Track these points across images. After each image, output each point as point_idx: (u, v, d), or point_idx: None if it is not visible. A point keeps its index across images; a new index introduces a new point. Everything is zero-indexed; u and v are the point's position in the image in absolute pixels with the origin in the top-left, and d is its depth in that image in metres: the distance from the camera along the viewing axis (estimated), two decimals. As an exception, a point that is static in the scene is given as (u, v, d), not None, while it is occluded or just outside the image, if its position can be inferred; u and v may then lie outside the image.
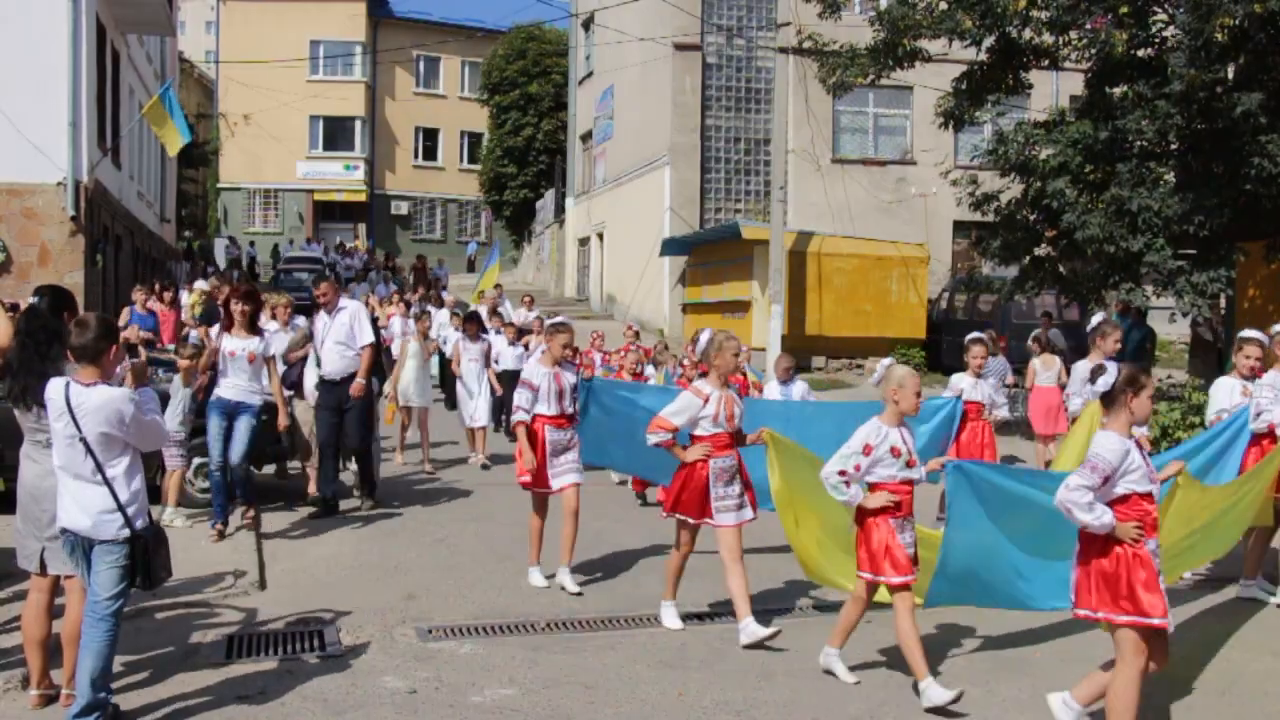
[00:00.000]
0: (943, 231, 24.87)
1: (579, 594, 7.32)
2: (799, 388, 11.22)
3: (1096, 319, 8.72)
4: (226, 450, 8.55)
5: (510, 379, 14.35)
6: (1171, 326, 15.48)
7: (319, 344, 9.66)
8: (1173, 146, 13.23)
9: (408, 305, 19.19)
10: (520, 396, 7.47)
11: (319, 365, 9.84)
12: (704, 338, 6.82)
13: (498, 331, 14.74)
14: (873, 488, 5.65)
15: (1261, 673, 6.17)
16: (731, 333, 6.77)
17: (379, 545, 8.65)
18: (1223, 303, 13.80)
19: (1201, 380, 13.33)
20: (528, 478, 7.42)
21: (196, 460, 9.52)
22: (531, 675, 5.78)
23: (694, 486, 6.49)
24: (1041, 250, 14.82)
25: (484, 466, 12.41)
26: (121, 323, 13.43)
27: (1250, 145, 12.12)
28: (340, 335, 9.47)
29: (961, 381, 9.90)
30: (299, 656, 5.96)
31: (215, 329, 8.94)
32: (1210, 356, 14.36)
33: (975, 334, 10.57)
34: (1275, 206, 12.52)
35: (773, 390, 11.23)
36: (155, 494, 9.07)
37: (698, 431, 6.50)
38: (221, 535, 8.49)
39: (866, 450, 5.60)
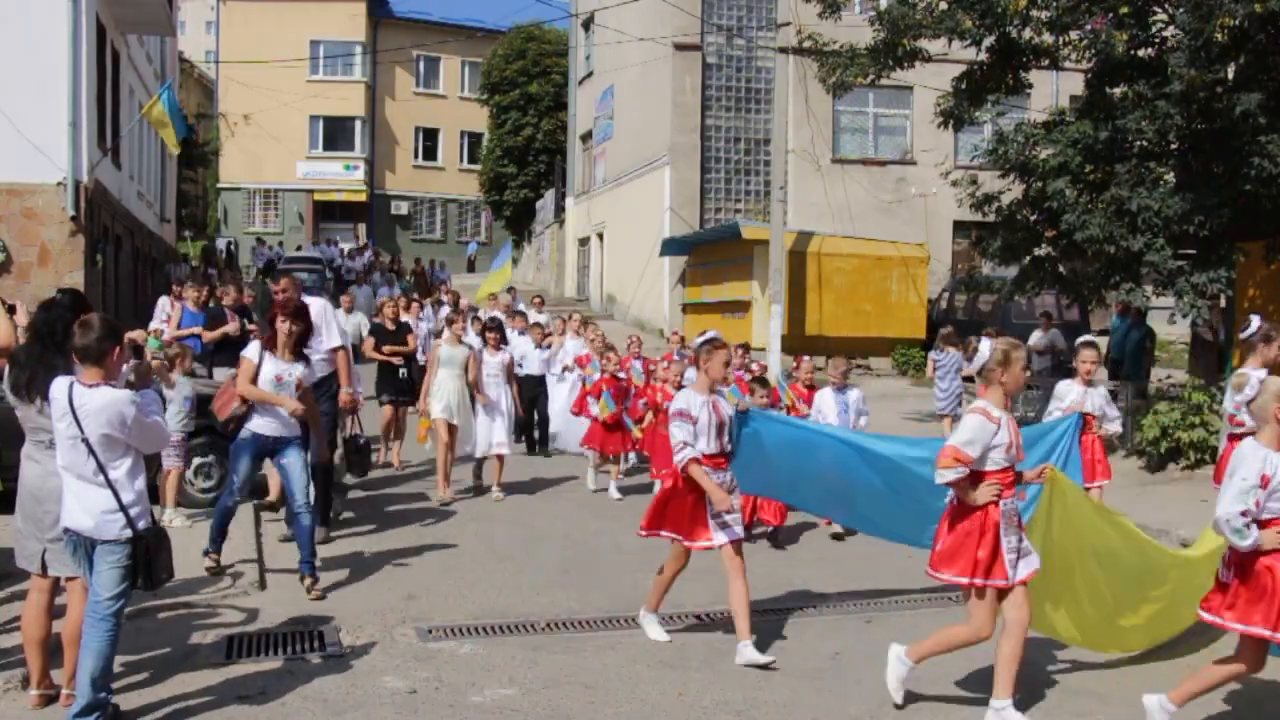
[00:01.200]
0: (943, 231, 24.88)
1: (771, 666, 6.10)
2: (854, 395, 9.91)
3: (1255, 323, 7.76)
4: (240, 487, 7.52)
5: (534, 384, 13.40)
6: (1171, 326, 15.45)
7: None
8: (1173, 146, 13.22)
9: (420, 307, 18.14)
10: (681, 431, 6.22)
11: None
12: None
13: (521, 332, 13.93)
14: (1264, 524, 4.84)
15: (1261, 673, 6.15)
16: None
17: (379, 545, 8.66)
18: (1223, 303, 13.79)
19: (1201, 380, 13.33)
20: (721, 537, 6.22)
21: (196, 460, 9.53)
22: (531, 675, 5.78)
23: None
24: (1041, 250, 14.80)
25: (499, 499, 10.76)
26: (174, 320, 12.87)
27: (1250, 145, 12.11)
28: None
29: (1071, 391, 8.50)
30: (299, 656, 5.96)
31: (253, 350, 7.58)
32: (1210, 356, 14.34)
33: (1086, 337, 9.16)
34: (1275, 206, 12.51)
35: (827, 399, 9.78)
36: (154, 494, 9.09)
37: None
38: (217, 565, 7.54)
39: (1264, 482, 4.81)
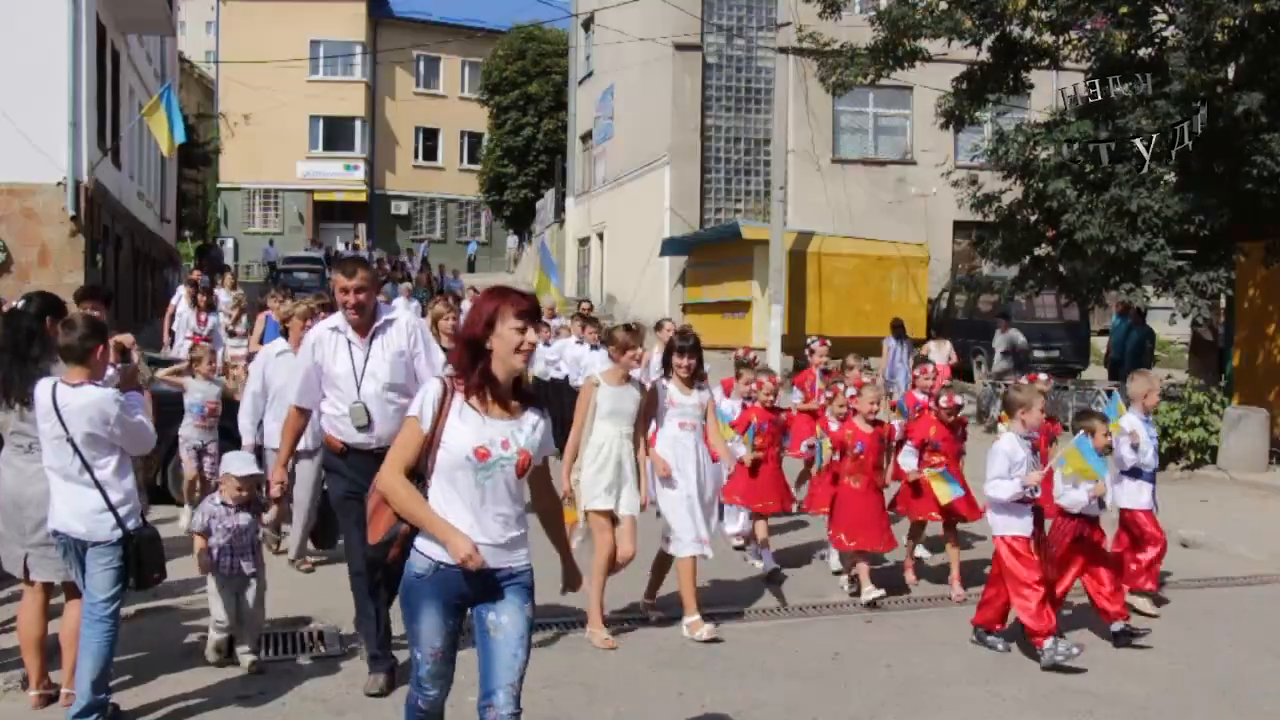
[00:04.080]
0: (943, 231, 24.87)
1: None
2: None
3: None
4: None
5: (568, 393, 11.59)
6: (1171, 327, 15.47)
7: (339, 381, 5.44)
8: (1171, 147, 13.23)
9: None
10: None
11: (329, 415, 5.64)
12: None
13: (595, 346, 12.08)
14: None
15: (1262, 673, 6.16)
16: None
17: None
18: (1223, 303, 13.79)
19: (1201, 380, 13.34)
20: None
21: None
22: (531, 675, 5.76)
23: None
24: (1041, 250, 14.82)
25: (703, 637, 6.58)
26: (257, 333, 12.46)
27: (1251, 145, 12.12)
28: (391, 373, 5.42)
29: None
30: (299, 657, 5.96)
31: (431, 398, 6.66)
32: (1210, 356, 14.36)
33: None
34: (1275, 206, 12.51)
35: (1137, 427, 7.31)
36: (155, 495, 9.08)
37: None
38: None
39: None
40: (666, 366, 6.78)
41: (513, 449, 3.69)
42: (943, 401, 7.76)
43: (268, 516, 5.91)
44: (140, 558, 4.81)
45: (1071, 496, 6.43)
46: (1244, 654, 6.49)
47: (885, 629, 6.80)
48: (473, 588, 3.69)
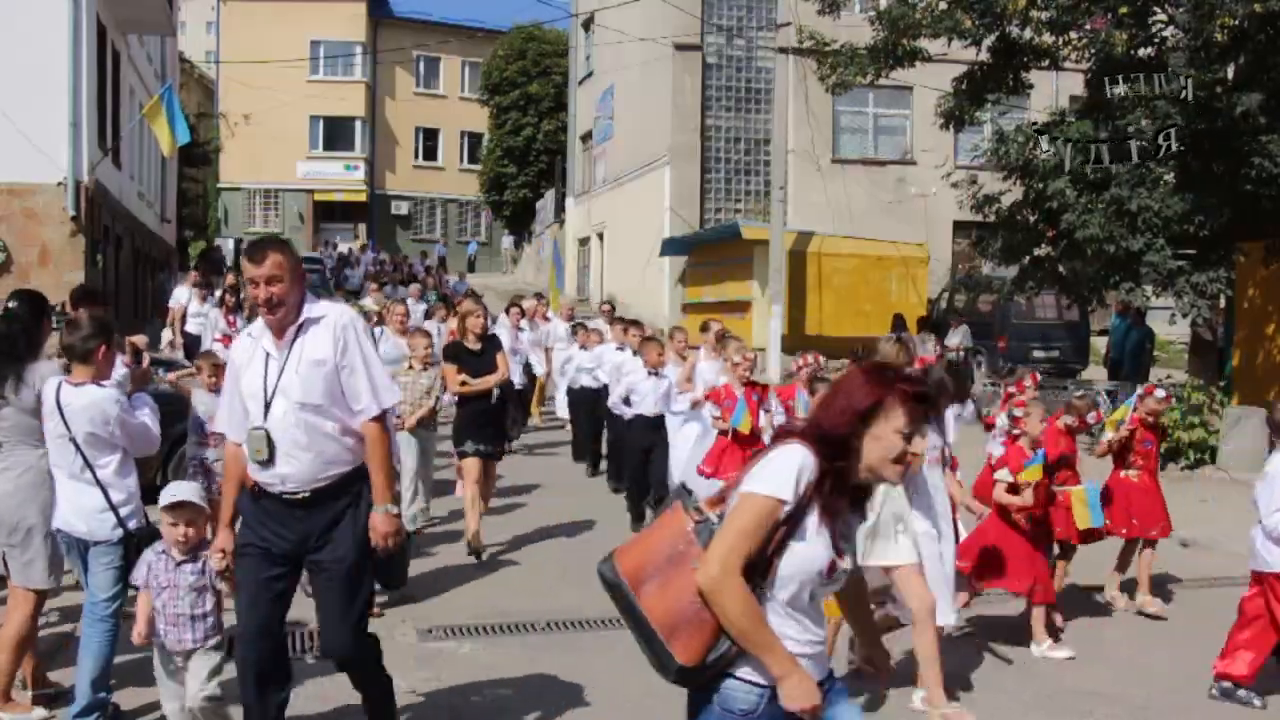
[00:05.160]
0: (943, 231, 24.88)
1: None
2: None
3: None
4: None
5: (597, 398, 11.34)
6: (1171, 327, 15.48)
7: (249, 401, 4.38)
8: (1166, 144, 13.23)
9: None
10: None
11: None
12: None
13: (638, 352, 10.47)
14: None
15: (1262, 674, 6.15)
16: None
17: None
18: (1222, 303, 13.79)
19: (1201, 380, 13.34)
20: None
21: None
22: (531, 675, 5.78)
23: None
24: (1041, 250, 14.83)
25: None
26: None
27: (1250, 146, 12.12)
28: (305, 388, 4.36)
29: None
30: (299, 656, 5.96)
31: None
32: (1210, 356, 14.36)
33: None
34: (1275, 206, 12.52)
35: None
36: (154, 495, 9.06)
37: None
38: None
39: None
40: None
41: (847, 560, 2.88)
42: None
43: (214, 564, 4.34)
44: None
45: None
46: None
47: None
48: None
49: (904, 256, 22.61)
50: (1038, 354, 18.82)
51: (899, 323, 17.33)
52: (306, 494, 4.18)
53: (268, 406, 4.17)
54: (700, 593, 2.70)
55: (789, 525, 2.72)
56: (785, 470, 2.71)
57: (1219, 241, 12.89)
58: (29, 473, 4.89)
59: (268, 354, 4.23)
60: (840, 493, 2.77)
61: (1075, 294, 15.32)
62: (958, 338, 18.34)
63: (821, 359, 8.36)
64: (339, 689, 5.48)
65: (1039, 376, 8.85)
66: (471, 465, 8.09)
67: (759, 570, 2.72)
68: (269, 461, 4.16)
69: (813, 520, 2.74)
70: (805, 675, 2.74)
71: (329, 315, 4.24)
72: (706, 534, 2.75)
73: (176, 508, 4.38)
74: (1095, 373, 19.37)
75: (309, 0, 44.66)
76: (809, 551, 2.73)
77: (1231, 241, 12.96)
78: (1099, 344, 20.38)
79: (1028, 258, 14.99)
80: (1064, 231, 13.31)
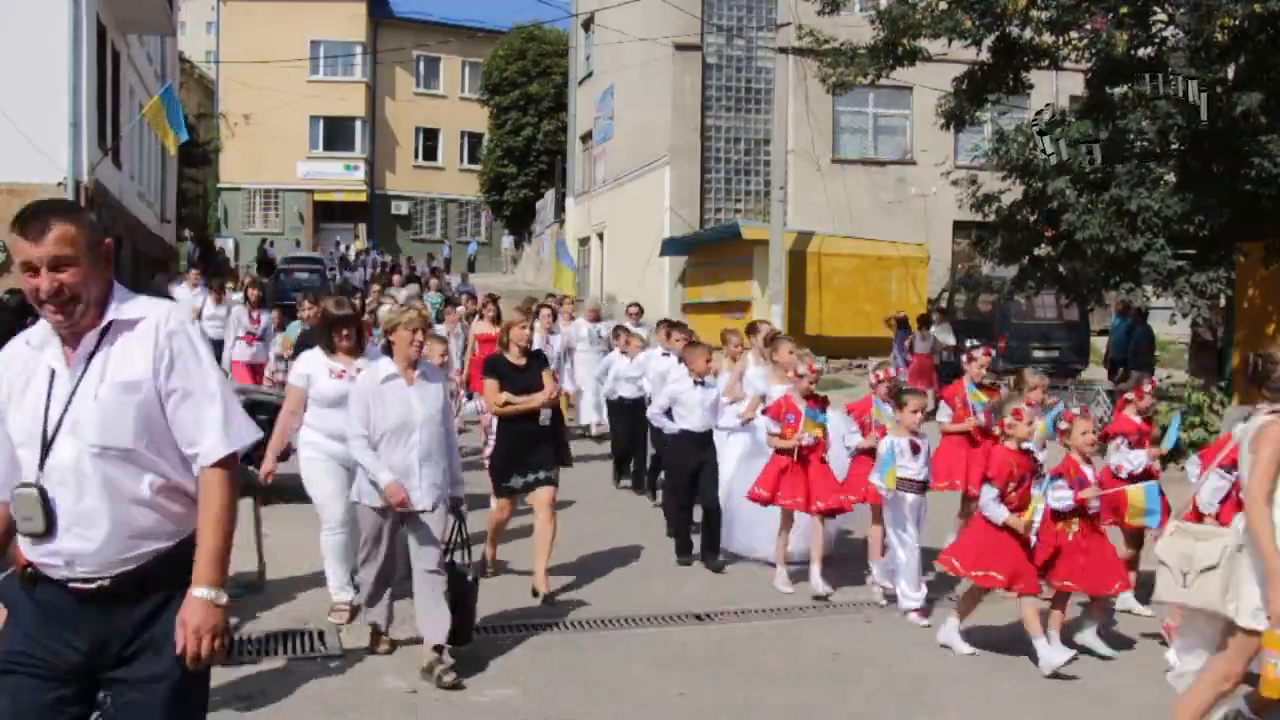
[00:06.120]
0: (943, 231, 24.88)
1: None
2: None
3: None
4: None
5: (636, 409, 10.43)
6: (1171, 327, 15.47)
7: (21, 438, 2.85)
8: (1173, 147, 13.23)
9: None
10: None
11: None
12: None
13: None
14: None
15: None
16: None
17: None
18: (1222, 303, 13.79)
19: (1201, 380, 13.34)
20: None
21: None
22: (531, 675, 5.78)
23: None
24: (1041, 250, 14.83)
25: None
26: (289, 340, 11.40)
27: (1250, 146, 12.12)
28: (105, 424, 2.80)
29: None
30: (299, 657, 5.96)
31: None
32: (1210, 356, 14.36)
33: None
34: (1275, 206, 12.52)
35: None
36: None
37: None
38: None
39: None
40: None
41: None
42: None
43: None
44: None
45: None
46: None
47: (885, 629, 6.80)
48: None
49: (904, 256, 22.62)
50: (1038, 354, 18.80)
51: (902, 321, 17.24)
52: (105, 582, 2.77)
53: (46, 450, 2.76)
54: None
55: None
56: None
57: (1219, 241, 12.88)
58: None
59: (53, 372, 2.82)
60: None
61: (1075, 294, 15.32)
62: (944, 336, 18.17)
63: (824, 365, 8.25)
64: (340, 689, 5.49)
65: (1157, 381, 8.46)
66: (544, 494, 7.01)
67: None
68: (46, 534, 2.76)
69: None
70: None
71: (149, 316, 2.86)
72: None
73: None
74: (1095, 373, 19.36)
75: (309, 0, 44.70)
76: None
77: (1231, 241, 12.96)
78: (1099, 344, 20.38)
79: (1027, 258, 14.99)
80: (1064, 231, 13.31)
